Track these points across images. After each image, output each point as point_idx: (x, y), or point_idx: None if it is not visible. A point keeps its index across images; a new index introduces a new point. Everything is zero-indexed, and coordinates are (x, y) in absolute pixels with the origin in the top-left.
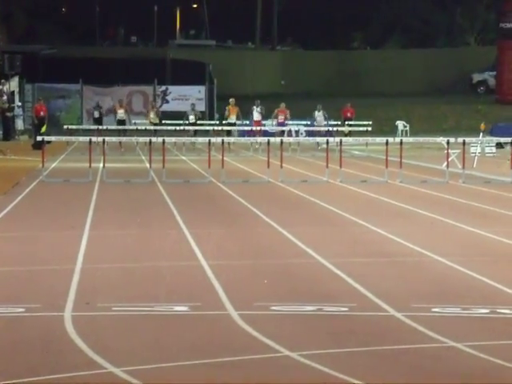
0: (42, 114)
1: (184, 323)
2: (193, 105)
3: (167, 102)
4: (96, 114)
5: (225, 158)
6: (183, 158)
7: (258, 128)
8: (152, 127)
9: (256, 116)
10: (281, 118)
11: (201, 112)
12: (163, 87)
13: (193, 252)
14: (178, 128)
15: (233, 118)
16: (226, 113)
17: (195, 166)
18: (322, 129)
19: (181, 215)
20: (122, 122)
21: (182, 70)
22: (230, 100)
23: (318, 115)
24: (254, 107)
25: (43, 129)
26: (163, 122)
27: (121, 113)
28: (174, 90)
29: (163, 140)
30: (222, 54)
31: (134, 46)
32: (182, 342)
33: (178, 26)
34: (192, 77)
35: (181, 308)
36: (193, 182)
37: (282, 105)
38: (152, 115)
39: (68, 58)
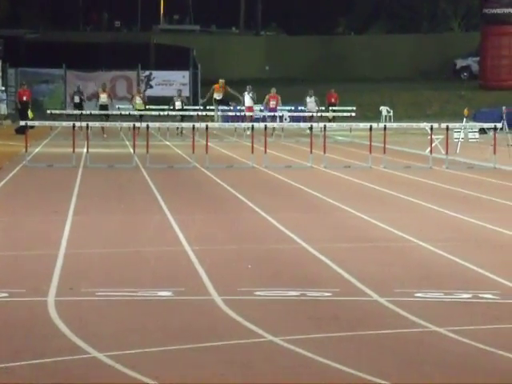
0: (24, 98)
1: (168, 308)
2: (179, 91)
3: (151, 87)
4: (76, 99)
5: (209, 144)
6: (167, 143)
7: (251, 114)
8: (137, 113)
9: (248, 101)
10: (272, 104)
11: (186, 97)
12: (147, 72)
13: (177, 237)
14: (161, 113)
15: (219, 95)
16: (211, 91)
17: (179, 152)
18: (315, 115)
19: (165, 200)
20: (104, 107)
21: (165, 54)
22: (220, 80)
23: (310, 101)
24: (246, 93)
25: (30, 114)
26: (147, 107)
27: (103, 97)
28: (158, 75)
29: (147, 125)
30: (206, 39)
31: (118, 30)
32: (165, 326)
33: (162, 10)
34: (176, 62)
35: (165, 293)
36: (177, 168)
37: (273, 90)
38: (138, 100)
39: (51, 43)
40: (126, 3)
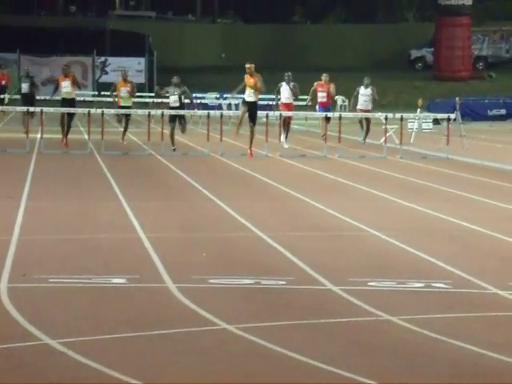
0: (3, 82)
1: (122, 295)
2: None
3: (106, 73)
4: (24, 88)
5: (164, 131)
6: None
7: (289, 114)
8: (123, 111)
9: (286, 95)
10: (322, 97)
11: (140, 84)
12: (102, 58)
13: (131, 224)
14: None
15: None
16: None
17: (134, 139)
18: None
19: (119, 187)
20: (69, 102)
21: (121, 41)
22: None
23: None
24: (283, 83)
25: (6, 99)
26: (102, 93)
27: (66, 86)
28: (114, 62)
29: (102, 111)
30: (162, 26)
31: (73, 15)
32: (119, 314)
33: None
34: (132, 48)
35: (119, 280)
36: (132, 155)
37: (325, 76)
38: (123, 93)
39: (5, 27)
40: None
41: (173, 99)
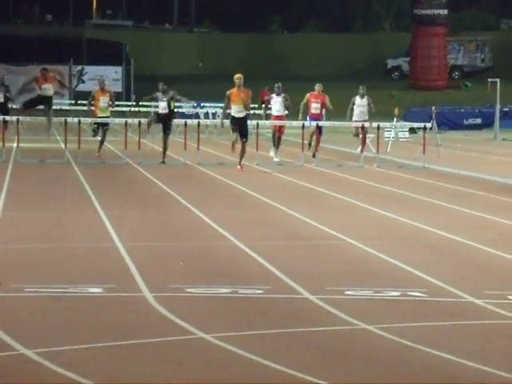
0: None
1: (98, 305)
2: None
3: (83, 82)
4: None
5: (141, 140)
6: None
7: (280, 123)
8: (100, 121)
9: (277, 107)
10: (315, 108)
11: (117, 92)
12: (79, 67)
13: (108, 234)
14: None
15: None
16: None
17: (111, 147)
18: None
19: (96, 196)
20: (47, 99)
21: (98, 50)
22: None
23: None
24: (274, 95)
25: None
26: (79, 102)
27: (48, 88)
28: (90, 70)
29: (79, 120)
30: (139, 35)
31: (50, 24)
32: (95, 323)
33: (95, 5)
34: (109, 57)
35: (95, 290)
36: (109, 164)
37: (318, 86)
38: (102, 103)
39: None
40: None
41: (161, 106)
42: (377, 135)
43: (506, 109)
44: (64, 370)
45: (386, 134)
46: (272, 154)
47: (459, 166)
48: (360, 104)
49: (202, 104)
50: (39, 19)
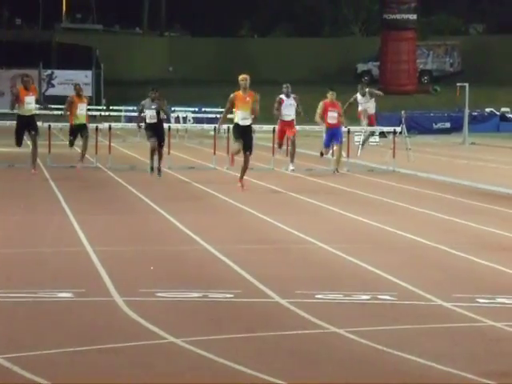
0: None
1: (68, 310)
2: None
3: (53, 86)
4: None
5: (112, 144)
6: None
7: (291, 134)
8: (76, 128)
9: (288, 111)
10: (332, 118)
11: (89, 97)
12: (49, 71)
13: (78, 238)
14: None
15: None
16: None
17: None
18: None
19: (66, 201)
20: (30, 118)
21: (68, 54)
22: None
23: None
24: (283, 95)
25: None
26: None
27: (30, 103)
28: (60, 75)
29: (49, 125)
30: (109, 39)
31: (19, 28)
32: (65, 328)
33: (64, 9)
34: (78, 61)
35: (65, 294)
36: (79, 168)
37: (331, 94)
38: (80, 110)
39: None
40: (27, 0)
41: (149, 114)
42: (347, 139)
43: (475, 113)
44: (33, 375)
45: (357, 138)
46: (291, 167)
47: (428, 170)
48: (362, 102)
49: (172, 108)
50: (8, 23)
